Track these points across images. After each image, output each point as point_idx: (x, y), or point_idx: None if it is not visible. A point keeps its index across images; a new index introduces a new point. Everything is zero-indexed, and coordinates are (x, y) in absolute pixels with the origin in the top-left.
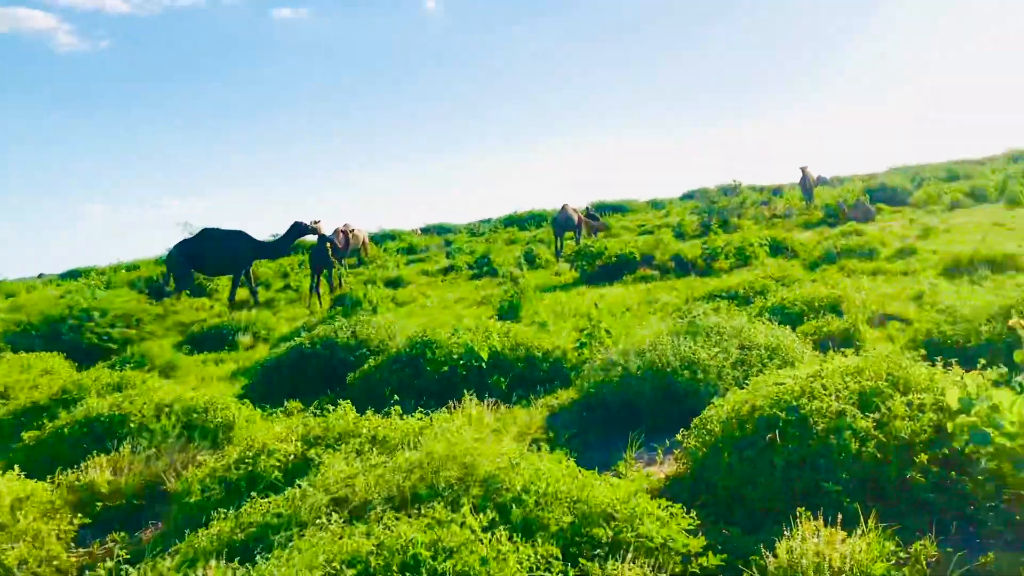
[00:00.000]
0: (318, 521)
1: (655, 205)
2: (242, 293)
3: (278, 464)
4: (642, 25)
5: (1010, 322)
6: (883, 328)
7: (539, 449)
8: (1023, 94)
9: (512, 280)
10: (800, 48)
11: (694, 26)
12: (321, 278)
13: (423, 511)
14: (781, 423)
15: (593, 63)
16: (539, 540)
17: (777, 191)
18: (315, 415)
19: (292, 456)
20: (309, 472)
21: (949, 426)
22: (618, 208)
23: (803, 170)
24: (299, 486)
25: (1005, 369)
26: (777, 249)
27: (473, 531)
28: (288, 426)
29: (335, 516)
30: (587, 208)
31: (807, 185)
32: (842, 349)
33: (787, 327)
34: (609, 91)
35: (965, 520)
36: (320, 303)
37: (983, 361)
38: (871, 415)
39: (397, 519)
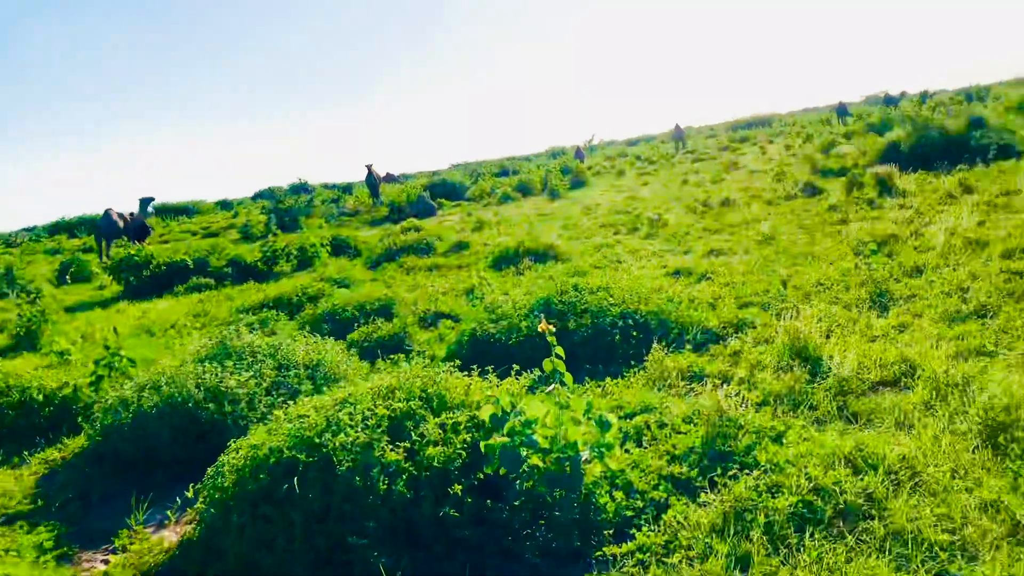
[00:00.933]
0: None
1: (224, 205)
2: None
3: None
4: (199, 16)
5: (539, 327)
6: (435, 328)
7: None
8: (561, 98)
9: (30, 300)
10: (363, 49)
11: (252, 22)
12: None
13: None
14: (301, 467)
15: (157, 58)
16: None
17: (348, 188)
18: None
19: None
20: None
21: (482, 447)
22: (184, 210)
23: (369, 168)
24: None
25: (539, 371)
26: (340, 248)
27: None
28: None
29: None
30: (131, 213)
31: (373, 182)
32: (391, 356)
33: (332, 338)
34: (176, 85)
35: (503, 555)
36: None
37: (516, 367)
38: (402, 444)
39: None
